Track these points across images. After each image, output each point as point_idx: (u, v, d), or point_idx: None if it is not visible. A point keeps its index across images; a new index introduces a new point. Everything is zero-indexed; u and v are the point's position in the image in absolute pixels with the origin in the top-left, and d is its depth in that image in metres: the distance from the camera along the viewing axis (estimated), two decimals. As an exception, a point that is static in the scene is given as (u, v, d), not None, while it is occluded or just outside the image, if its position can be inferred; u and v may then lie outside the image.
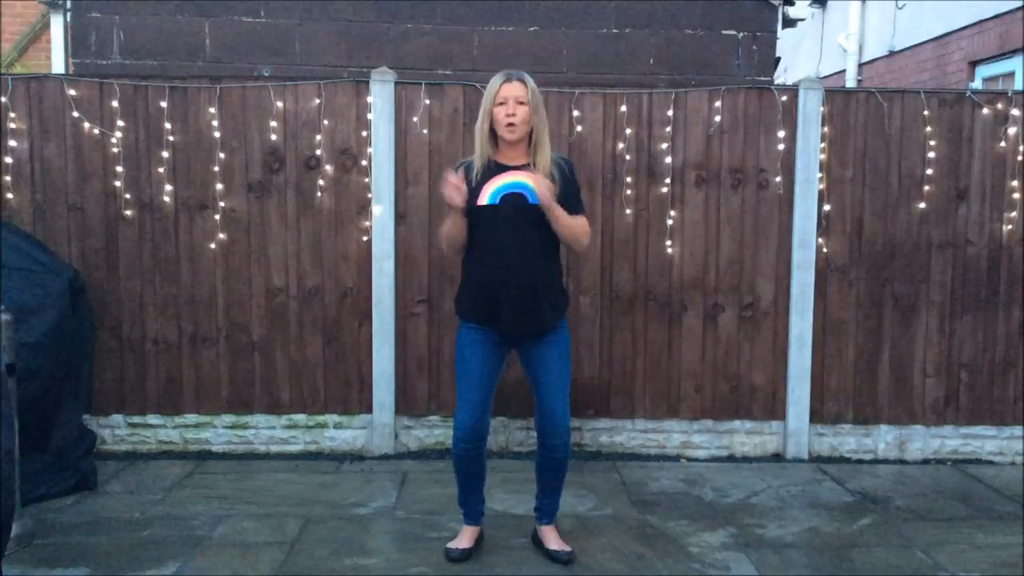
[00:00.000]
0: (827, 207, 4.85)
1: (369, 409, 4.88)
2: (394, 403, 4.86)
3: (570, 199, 3.41)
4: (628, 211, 4.83)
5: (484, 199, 3.34)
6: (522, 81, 3.34)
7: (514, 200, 3.32)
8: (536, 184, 3.27)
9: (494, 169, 3.37)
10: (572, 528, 3.87)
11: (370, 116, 4.75)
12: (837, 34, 10.92)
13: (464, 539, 3.61)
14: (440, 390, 4.88)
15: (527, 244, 3.34)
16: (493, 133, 3.38)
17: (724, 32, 5.93)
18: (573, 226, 3.37)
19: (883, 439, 4.98)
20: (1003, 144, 4.86)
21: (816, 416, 4.95)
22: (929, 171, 4.86)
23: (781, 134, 4.82)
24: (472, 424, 3.44)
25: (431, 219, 4.81)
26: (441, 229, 3.52)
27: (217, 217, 4.77)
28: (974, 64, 8.28)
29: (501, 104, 3.31)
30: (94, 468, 4.37)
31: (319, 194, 4.79)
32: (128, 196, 4.74)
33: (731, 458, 4.94)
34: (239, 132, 4.77)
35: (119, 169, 4.72)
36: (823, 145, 4.83)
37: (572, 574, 3.49)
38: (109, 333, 4.79)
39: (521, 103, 3.31)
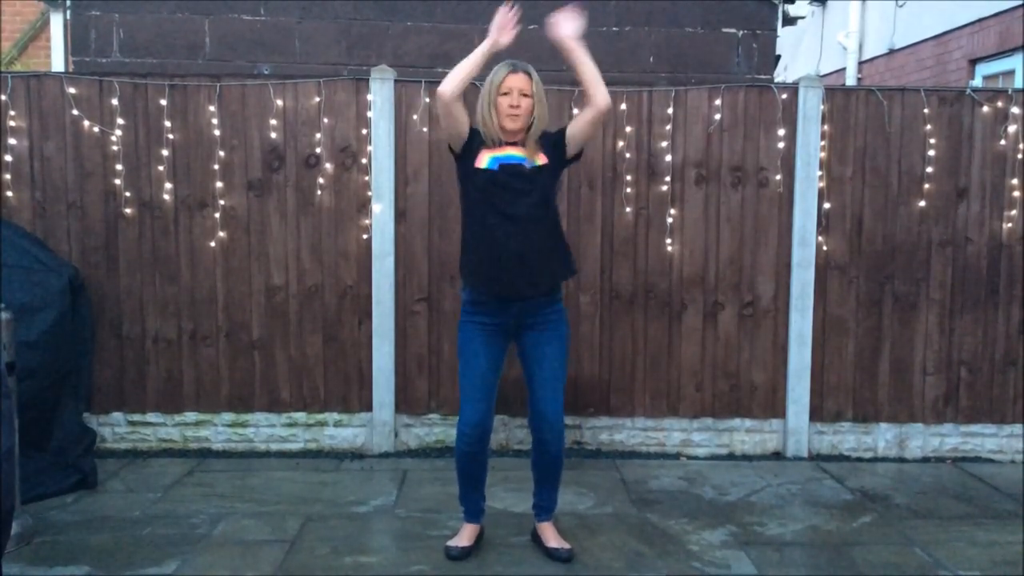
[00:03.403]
0: (827, 205, 4.85)
1: (369, 407, 4.88)
2: (394, 401, 4.87)
3: (561, 130, 3.46)
4: (628, 209, 4.83)
5: (483, 163, 3.37)
6: (527, 73, 3.35)
7: (512, 167, 3.35)
8: (528, 155, 3.36)
9: (497, 144, 3.39)
10: (572, 526, 3.87)
11: (370, 114, 4.75)
12: (837, 32, 10.91)
13: (464, 537, 3.61)
14: (440, 388, 4.88)
15: (524, 207, 3.34)
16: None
17: (724, 30, 5.93)
18: (590, 65, 3.34)
19: (883, 437, 4.98)
20: (1003, 142, 4.85)
21: (816, 414, 4.95)
22: (929, 169, 4.86)
23: (781, 132, 4.82)
24: (477, 420, 3.46)
25: (431, 217, 4.81)
26: (460, 64, 3.33)
27: (217, 215, 4.77)
28: (974, 62, 8.27)
29: (505, 94, 3.32)
30: (94, 466, 4.37)
31: (319, 192, 4.79)
32: (128, 194, 4.74)
33: (731, 456, 4.94)
34: (239, 130, 4.76)
35: (119, 167, 4.71)
36: (823, 143, 4.83)
37: (572, 572, 3.49)
38: (109, 331, 4.79)
39: (525, 95, 3.32)
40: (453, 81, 3.27)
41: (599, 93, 3.31)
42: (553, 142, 3.43)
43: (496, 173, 3.35)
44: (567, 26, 3.32)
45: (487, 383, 3.47)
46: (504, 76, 3.33)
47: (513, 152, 3.38)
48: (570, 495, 4.18)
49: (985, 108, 4.84)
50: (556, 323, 3.50)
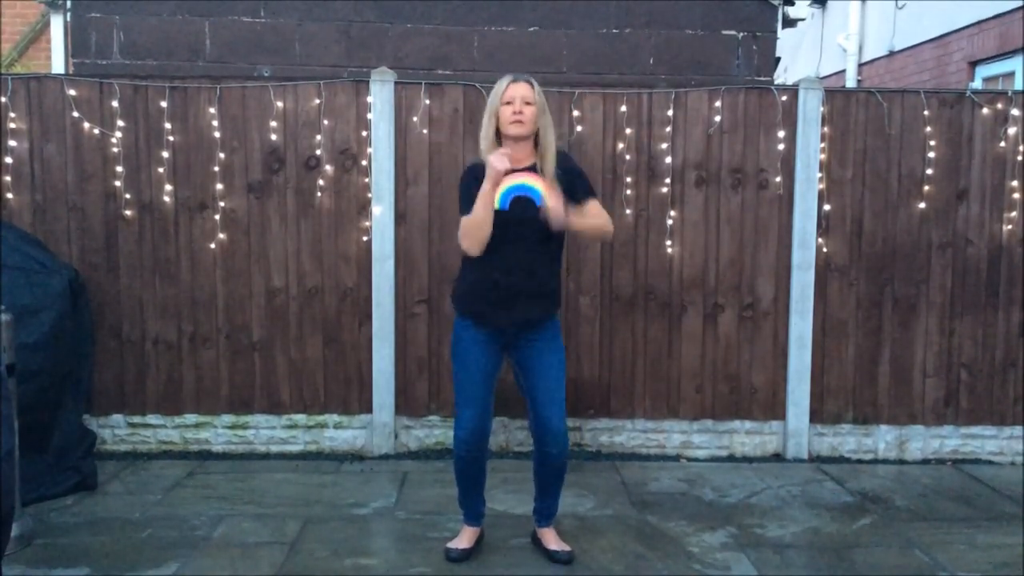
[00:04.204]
0: (827, 207, 4.85)
1: (369, 409, 4.88)
2: (394, 403, 4.87)
3: (577, 190, 3.39)
4: (628, 211, 4.84)
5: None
6: (529, 83, 3.36)
7: (523, 205, 3.26)
8: (546, 194, 3.22)
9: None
10: (572, 528, 3.87)
11: (370, 116, 4.75)
12: (837, 34, 10.92)
13: (464, 539, 3.61)
14: (440, 390, 4.88)
15: (532, 249, 3.35)
16: (498, 135, 3.37)
17: (724, 32, 5.93)
18: (591, 226, 3.43)
19: (883, 439, 4.98)
20: (1003, 144, 4.86)
21: (816, 416, 4.95)
22: (929, 171, 4.86)
23: (781, 134, 4.82)
24: (476, 426, 3.45)
25: (431, 219, 4.81)
26: (466, 220, 3.28)
27: (217, 217, 4.77)
28: (974, 64, 8.28)
29: (508, 103, 3.32)
30: (94, 468, 4.37)
31: (319, 194, 4.79)
32: (128, 196, 4.74)
33: (731, 458, 4.94)
34: (239, 132, 4.77)
35: (119, 169, 4.72)
36: (823, 145, 4.83)
37: (572, 574, 3.49)
38: (109, 333, 4.79)
39: (528, 103, 3.32)
40: (472, 238, 3.28)
41: (607, 231, 3.50)
42: (568, 188, 3.35)
43: (507, 216, 3.26)
44: (554, 211, 3.21)
45: (485, 388, 3.46)
46: (506, 86, 3.34)
47: (525, 181, 3.26)
48: (570, 497, 4.18)
49: (985, 110, 4.84)
50: (554, 335, 3.50)
